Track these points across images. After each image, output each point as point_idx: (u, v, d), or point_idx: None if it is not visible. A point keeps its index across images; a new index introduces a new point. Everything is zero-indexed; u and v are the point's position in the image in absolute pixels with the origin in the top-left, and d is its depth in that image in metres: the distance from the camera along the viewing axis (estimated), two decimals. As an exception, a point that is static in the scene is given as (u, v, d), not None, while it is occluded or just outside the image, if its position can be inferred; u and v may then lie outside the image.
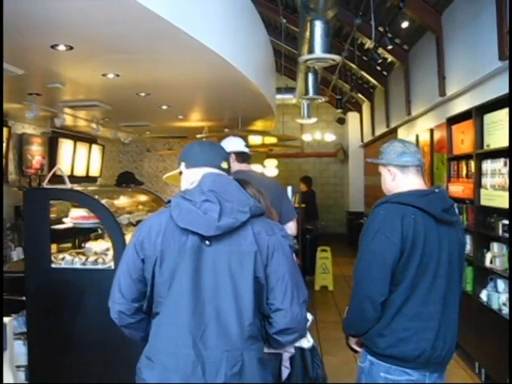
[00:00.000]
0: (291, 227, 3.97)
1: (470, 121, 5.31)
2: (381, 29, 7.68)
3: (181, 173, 2.28)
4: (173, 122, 8.56)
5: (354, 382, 2.63)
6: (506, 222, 4.57)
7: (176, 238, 2.01)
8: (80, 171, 9.72)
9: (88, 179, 9.95)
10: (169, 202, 2.10)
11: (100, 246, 4.52)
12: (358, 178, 14.63)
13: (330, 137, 14.18)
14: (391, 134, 10.84)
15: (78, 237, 5.08)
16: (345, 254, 11.77)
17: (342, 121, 13.58)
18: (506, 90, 4.51)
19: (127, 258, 2.11)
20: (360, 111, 14.49)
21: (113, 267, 4.07)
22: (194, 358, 1.94)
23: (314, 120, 12.59)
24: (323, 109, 14.79)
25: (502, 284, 4.75)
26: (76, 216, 4.43)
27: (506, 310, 4.53)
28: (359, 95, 12.61)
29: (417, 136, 8.58)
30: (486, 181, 4.94)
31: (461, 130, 5.72)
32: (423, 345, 2.37)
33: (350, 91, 11.16)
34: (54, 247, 4.48)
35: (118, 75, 4.75)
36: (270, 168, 11.44)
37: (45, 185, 4.55)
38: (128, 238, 4.24)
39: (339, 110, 12.58)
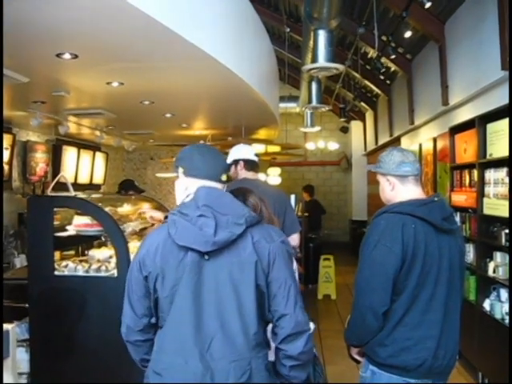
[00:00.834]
0: (295, 239, 4.01)
1: (473, 130, 5.32)
2: (384, 38, 7.71)
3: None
4: (176, 131, 8.59)
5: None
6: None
7: (175, 254, 2.02)
8: (84, 179, 9.75)
9: (92, 187, 9.97)
10: (166, 217, 2.12)
11: (103, 254, 4.52)
12: (361, 186, 14.63)
13: (333, 145, 14.20)
14: (394, 142, 10.85)
15: (82, 244, 5.08)
16: (348, 263, 11.72)
17: (345, 129, 13.61)
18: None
19: (131, 276, 2.14)
20: (363, 120, 14.52)
21: (116, 275, 4.08)
22: (202, 369, 1.95)
23: (317, 129, 12.61)
24: (326, 117, 14.81)
25: (505, 293, 4.74)
26: (79, 223, 4.43)
27: (508, 320, 4.52)
28: (362, 104, 12.65)
29: (420, 145, 8.59)
30: (489, 190, 4.94)
31: (464, 140, 5.73)
32: (425, 354, 2.37)
33: (353, 100, 11.18)
34: (57, 254, 4.48)
35: (122, 83, 4.78)
36: (273, 176, 11.46)
37: (49, 192, 4.57)
38: (131, 245, 4.26)
39: (342, 119, 12.61)
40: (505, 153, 4.59)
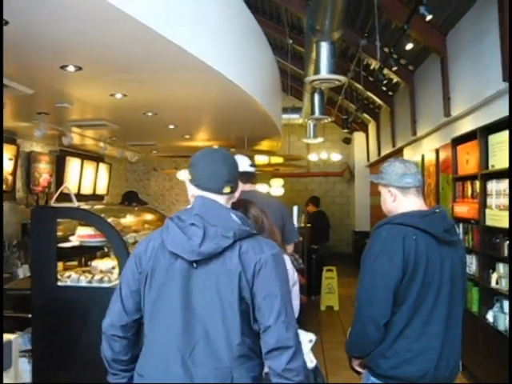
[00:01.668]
0: (288, 249, 4.04)
1: (475, 141, 5.33)
2: (386, 50, 7.74)
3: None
4: (179, 142, 8.62)
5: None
6: (512, 242, 4.58)
7: (166, 257, 2.06)
8: (87, 189, 9.78)
9: (95, 197, 10.01)
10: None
11: (106, 265, 4.54)
12: (364, 197, 14.62)
13: (336, 156, 14.21)
14: (397, 153, 10.85)
15: (85, 255, 5.10)
16: (351, 274, 11.67)
17: (348, 140, 13.64)
18: (511, 111, 4.54)
19: (127, 270, 2.19)
20: (366, 131, 14.54)
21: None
22: (182, 375, 1.97)
23: (320, 140, 12.63)
24: (329, 129, 14.84)
25: (508, 305, 4.72)
26: (83, 234, 4.46)
27: (509, 329, 4.50)
28: (365, 115, 12.67)
29: (422, 156, 8.60)
30: (491, 201, 4.95)
31: (466, 151, 5.74)
32: (426, 365, 2.37)
33: (355, 111, 11.22)
34: (60, 265, 4.51)
35: (125, 95, 4.81)
36: (275, 187, 11.46)
37: (52, 203, 4.59)
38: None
39: (345, 130, 12.63)
40: (506, 164, 4.60)
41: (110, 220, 4.34)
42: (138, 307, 2.15)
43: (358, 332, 2.47)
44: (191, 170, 2.19)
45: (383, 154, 12.37)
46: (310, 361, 2.87)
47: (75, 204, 4.56)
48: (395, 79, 9.64)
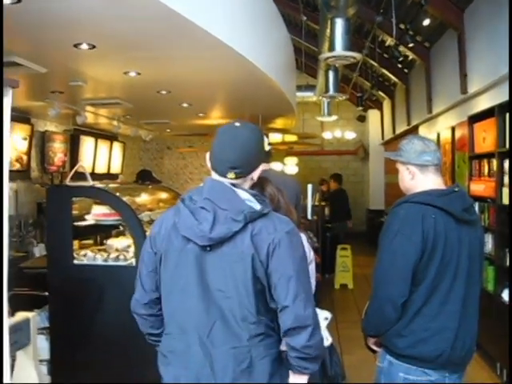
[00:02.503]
0: None
1: (492, 119, 5.25)
2: (402, 26, 7.63)
3: None
4: (193, 120, 8.60)
5: (373, 382, 2.63)
6: (529, 221, 4.53)
7: (179, 239, 2.06)
8: (101, 168, 9.82)
9: (109, 176, 10.04)
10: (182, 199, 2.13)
11: (121, 243, 4.55)
12: (379, 175, 14.55)
13: (350, 134, 14.13)
14: (412, 131, 10.75)
15: (100, 233, 5.12)
16: (365, 253, 11.69)
17: (362, 118, 13.50)
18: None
19: (144, 251, 2.22)
20: (381, 109, 14.41)
21: (134, 264, 4.11)
22: (201, 355, 2.00)
23: (334, 118, 12.55)
24: (343, 106, 14.72)
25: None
26: (98, 213, 4.47)
27: (508, 303, 4.48)
28: (380, 93, 12.55)
29: (438, 134, 8.52)
30: (508, 180, 4.89)
31: (482, 129, 5.67)
32: (442, 345, 2.36)
33: (370, 89, 11.10)
34: (75, 243, 4.53)
35: (139, 73, 4.79)
36: (290, 166, 11.44)
37: (67, 182, 4.60)
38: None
39: (360, 108, 12.52)
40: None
41: (124, 199, 4.34)
42: (157, 286, 2.17)
43: (375, 311, 2.46)
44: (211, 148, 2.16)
45: (398, 132, 12.27)
46: (326, 338, 2.88)
47: (90, 183, 4.57)
48: (411, 56, 9.50)
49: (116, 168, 10.57)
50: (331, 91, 9.19)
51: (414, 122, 10.62)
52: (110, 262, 4.27)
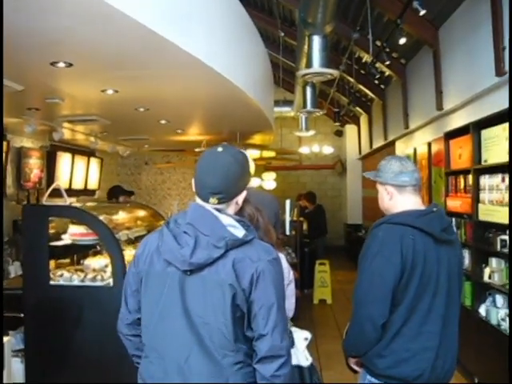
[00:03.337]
0: None
1: (468, 136, 5.33)
2: (378, 43, 7.72)
3: None
4: (171, 136, 8.57)
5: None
6: (504, 237, 4.58)
7: (161, 262, 2.05)
8: (78, 184, 9.71)
9: (86, 192, 9.94)
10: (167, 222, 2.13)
11: (99, 263, 4.50)
12: (356, 190, 14.66)
13: (327, 149, 14.21)
14: (389, 146, 10.88)
15: (77, 253, 5.05)
16: (343, 268, 11.76)
17: (339, 133, 13.63)
18: (503, 106, 4.53)
19: (128, 271, 2.23)
20: (358, 124, 14.54)
21: (111, 284, 4.06)
22: (180, 382, 1.97)
23: (311, 133, 12.62)
24: (321, 121, 14.83)
25: (500, 299, 4.75)
26: (75, 233, 4.42)
27: (504, 325, 4.53)
28: (357, 108, 12.66)
29: (414, 149, 8.61)
30: (484, 196, 4.95)
31: (458, 145, 5.74)
32: (423, 365, 2.37)
33: (347, 104, 11.20)
34: (52, 263, 4.46)
35: (116, 91, 4.77)
36: (268, 181, 11.45)
37: (44, 201, 4.55)
38: (127, 253, 4.24)
39: (337, 123, 12.62)
40: (499, 159, 4.61)
41: (102, 217, 4.30)
42: (139, 306, 2.16)
43: (355, 332, 2.46)
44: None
45: (375, 146, 12.39)
46: (306, 358, 2.87)
47: (67, 201, 4.52)
48: (387, 72, 9.63)
49: (93, 184, 10.47)
50: (309, 107, 9.24)
51: (390, 137, 10.72)
52: (87, 283, 4.22)
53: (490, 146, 4.88)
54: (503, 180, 4.57)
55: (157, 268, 2.05)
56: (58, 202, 5.10)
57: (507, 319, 4.49)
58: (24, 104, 5.45)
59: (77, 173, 9.57)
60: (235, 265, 1.96)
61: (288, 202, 7.64)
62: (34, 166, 8.09)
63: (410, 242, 2.35)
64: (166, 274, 2.03)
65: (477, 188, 5.10)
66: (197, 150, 8.97)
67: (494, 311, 4.74)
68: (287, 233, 7.48)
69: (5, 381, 3.74)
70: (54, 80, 4.33)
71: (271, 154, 10.66)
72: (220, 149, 2.10)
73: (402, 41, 5.88)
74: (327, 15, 5.51)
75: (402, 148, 9.81)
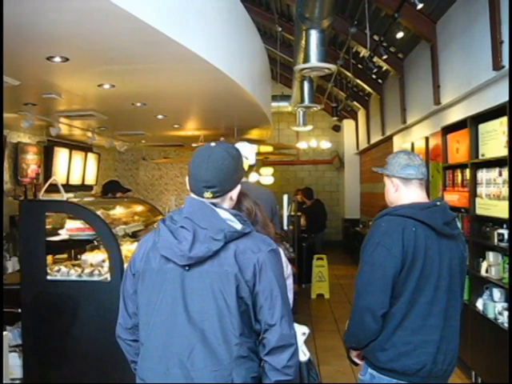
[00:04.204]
0: None
1: (465, 130, 5.33)
2: (376, 37, 7.71)
3: None
4: (168, 131, 8.57)
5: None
6: (502, 231, 4.59)
7: (157, 259, 2.04)
8: (75, 180, 9.71)
9: (84, 187, 9.95)
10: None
11: (96, 258, 4.49)
12: (354, 185, 14.67)
13: (325, 144, 14.21)
14: (387, 141, 10.88)
15: (74, 248, 5.05)
16: (341, 262, 11.79)
17: (337, 128, 13.60)
18: (501, 100, 4.54)
19: (125, 274, 2.20)
20: (355, 119, 14.53)
21: (109, 279, 4.06)
22: (182, 378, 1.95)
23: (309, 127, 12.62)
24: (319, 116, 14.83)
25: (497, 293, 4.76)
26: (72, 228, 4.41)
27: (501, 319, 4.54)
28: (355, 103, 12.66)
29: (412, 144, 8.61)
30: (482, 190, 4.95)
31: (456, 139, 5.74)
32: (424, 358, 2.38)
33: (345, 99, 11.19)
34: (49, 258, 4.45)
35: (113, 86, 4.75)
36: (265, 176, 11.45)
37: (41, 196, 4.54)
38: (124, 248, 4.24)
39: (335, 118, 12.61)
40: (496, 153, 4.61)
41: (99, 212, 4.29)
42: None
43: (355, 322, 2.47)
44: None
45: (373, 141, 12.38)
46: (304, 354, 2.86)
47: (64, 196, 4.51)
48: (385, 67, 9.61)
49: (91, 179, 10.47)
50: (306, 102, 9.24)
51: (388, 132, 10.72)
52: (85, 278, 4.21)
53: (487, 140, 4.88)
54: (500, 174, 4.57)
55: (153, 265, 2.04)
56: (55, 197, 5.10)
57: (504, 313, 4.50)
58: (20, 99, 5.43)
59: (74, 168, 9.57)
60: (237, 256, 1.97)
61: (285, 197, 7.65)
62: (32, 162, 8.09)
63: (411, 234, 2.36)
64: (164, 270, 2.01)
65: (474, 182, 5.11)
66: (194, 145, 8.96)
67: (491, 305, 4.75)
68: (285, 227, 7.48)
69: (2, 376, 3.75)
70: (51, 75, 4.31)
71: (269, 148, 10.66)
72: (213, 144, 2.11)
73: (400, 35, 5.89)
74: (324, 10, 5.50)
75: (399, 142, 9.81)
